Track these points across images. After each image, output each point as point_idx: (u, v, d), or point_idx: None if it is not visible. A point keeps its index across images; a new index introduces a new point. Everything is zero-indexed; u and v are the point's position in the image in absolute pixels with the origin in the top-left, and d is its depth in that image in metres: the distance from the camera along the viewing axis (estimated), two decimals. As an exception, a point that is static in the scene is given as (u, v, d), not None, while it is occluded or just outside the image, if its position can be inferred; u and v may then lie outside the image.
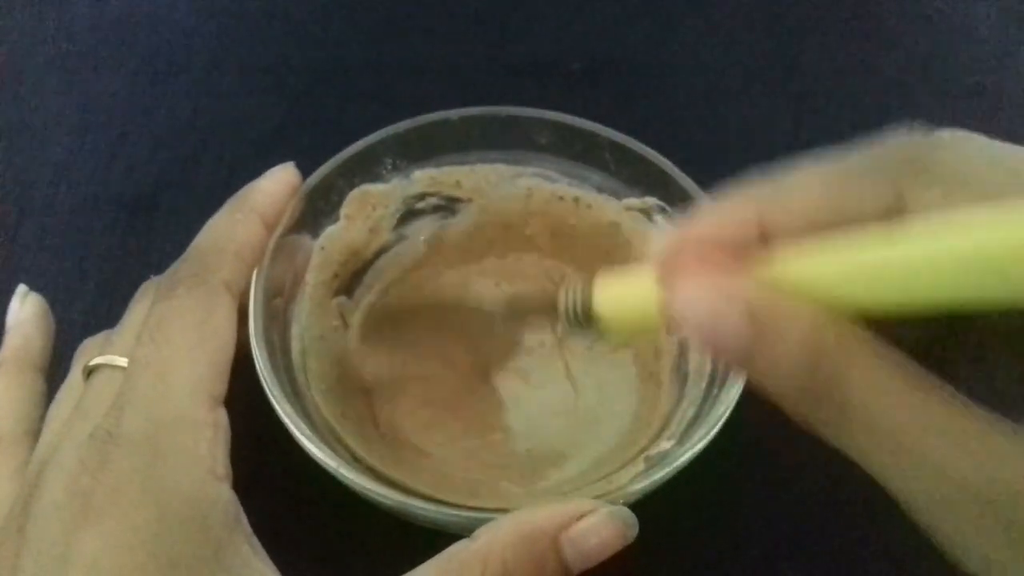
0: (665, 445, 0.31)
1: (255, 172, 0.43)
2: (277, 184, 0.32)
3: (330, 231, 0.35)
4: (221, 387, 0.26)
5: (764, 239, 0.19)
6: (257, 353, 0.29)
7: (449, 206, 0.38)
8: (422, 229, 0.38)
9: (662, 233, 0.23)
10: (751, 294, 0.18)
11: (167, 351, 0.25)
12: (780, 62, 0.48)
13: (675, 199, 0.34)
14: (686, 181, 0.33)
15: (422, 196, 0.37)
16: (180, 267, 0.29)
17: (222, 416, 0.26)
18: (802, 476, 0.34)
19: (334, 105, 0.45)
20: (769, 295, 0.18)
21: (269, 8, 0.49)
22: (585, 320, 0.25)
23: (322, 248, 0.35)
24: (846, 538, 0.33)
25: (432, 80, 0.47)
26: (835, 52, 0.49)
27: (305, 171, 0.34)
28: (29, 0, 0.49)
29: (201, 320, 0.26)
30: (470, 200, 0.38)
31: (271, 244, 0.32)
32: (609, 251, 0.37)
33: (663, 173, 0.34)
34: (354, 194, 0.35)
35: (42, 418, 0.28)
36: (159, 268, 0.39)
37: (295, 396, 0.30)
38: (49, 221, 0.40)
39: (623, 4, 0.51)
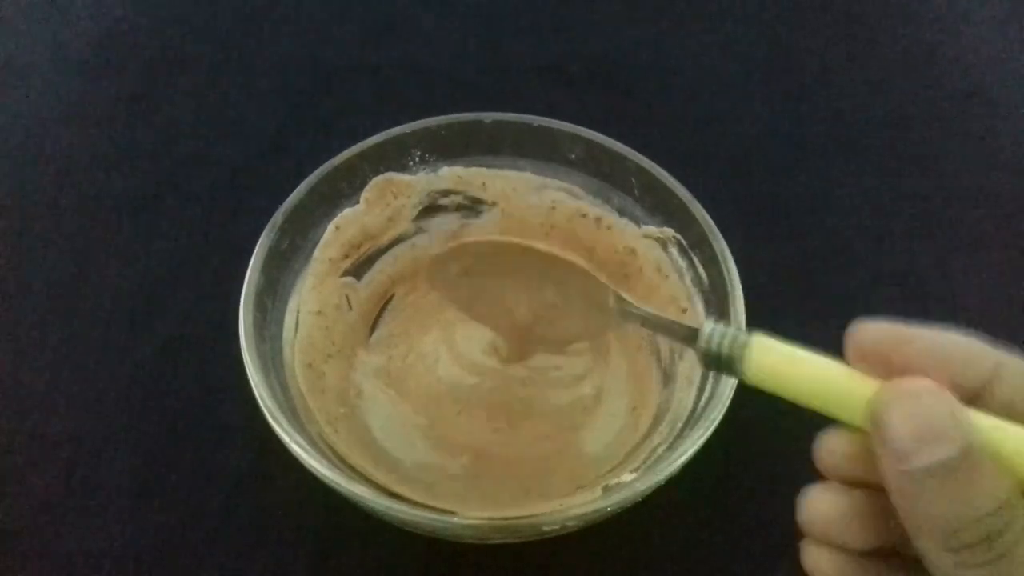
0: (626, 478, 0.30)
1: (255, 173, 0.43)
2: None
3: (347, 212, 0.36)
4: None
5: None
6: (243, 319, 0.30)
7: (473, 207, 0.38)
8: (442, 225, 0.38)
9: (866, 324, 0.23)
10: (972, 437, 0.19)
11: None
12: (778, 63, 0.48)
13: (692, 233, 0.34)
14: (703, 215, 0.33)
15: (447, 193, 0.37)
16: None
17: None
18: (801, 476, 0.34)
19: (335, 106, 0.45)
20: (981, 444, 0.19)
21: (270, 9, 0.49)
22: (725, 365, 0.25)
23: (337, 227, 0.36)
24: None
25: (433, 81, 0.47)
26: (833, 54, 0.49)
27: (305, 171, 0.34)
28: (30, 1, 0.49)
29: None
30: (494, 204, 0.38)
31: (280, 215, 0.33)
32: (624, 278, 0.37)
33: (683, 205, 0.34)
34: (377, 180, 0.36)
35: None
36: (159, 268, 0.40)
37: (274, 370, 0.31)
38: (50, 221, 0.40)
39: (623, 5, 0.51)
